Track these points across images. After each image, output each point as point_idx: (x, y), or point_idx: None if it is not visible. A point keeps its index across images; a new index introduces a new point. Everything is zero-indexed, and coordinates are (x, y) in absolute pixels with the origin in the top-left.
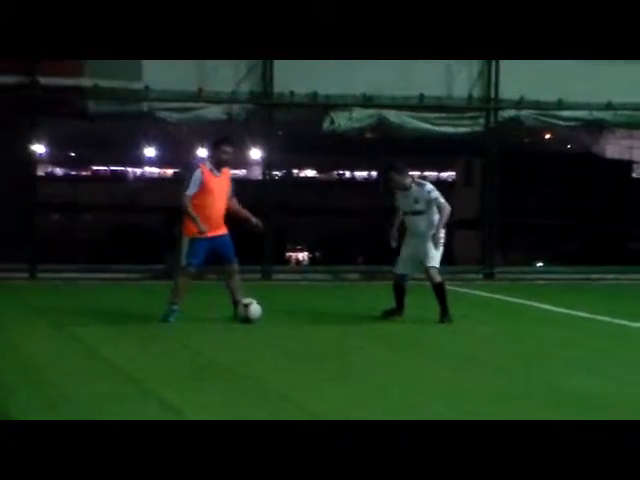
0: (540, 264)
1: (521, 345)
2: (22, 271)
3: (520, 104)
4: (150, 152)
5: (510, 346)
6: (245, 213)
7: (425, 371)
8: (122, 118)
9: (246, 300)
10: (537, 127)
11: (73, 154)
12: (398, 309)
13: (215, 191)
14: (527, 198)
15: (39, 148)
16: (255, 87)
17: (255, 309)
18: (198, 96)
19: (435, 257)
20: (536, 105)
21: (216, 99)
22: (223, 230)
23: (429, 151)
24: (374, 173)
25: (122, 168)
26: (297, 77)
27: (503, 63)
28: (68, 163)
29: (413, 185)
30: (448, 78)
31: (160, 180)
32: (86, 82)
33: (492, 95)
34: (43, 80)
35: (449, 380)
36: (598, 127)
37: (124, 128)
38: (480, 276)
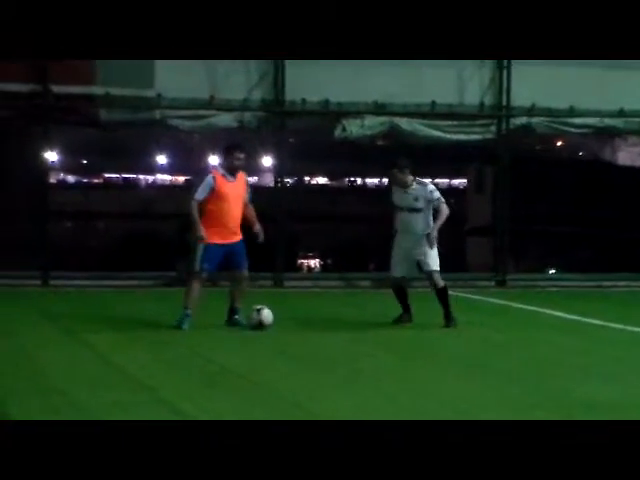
0: (552, 271)
1: (533, 352)
2: (34, 278)
3: (531, 111)
4: (162, 160)
5: (522, 353)
6: (253, 220)
7: (435, 378)
8: (134, 126)
9: (258, 305)
10: (549, 134)
11: (85, 162)
12: (405, 313)
13: (230, 196)
14: (539, 205)
15: (51, 156)
16: (267, 95)
17: (268, 314)
18: (210, 104)
19: (436, 260)
20: (547, 112)
21: (228, 107)
22: (238, 237)
23: (441, 158)
24: (385, 180)
25: (134, 176)
26: (309, 85)
27: (515, 70)
28: (80, 171)
29: (414, 183)
30: (460, 85)
31: (172, 187)
32: (98, 90)
33: (504, 102)
34: (55, 88)
35: (460, 388)
36: (610, 134)
37: (136, 136)
38: (492, 283)
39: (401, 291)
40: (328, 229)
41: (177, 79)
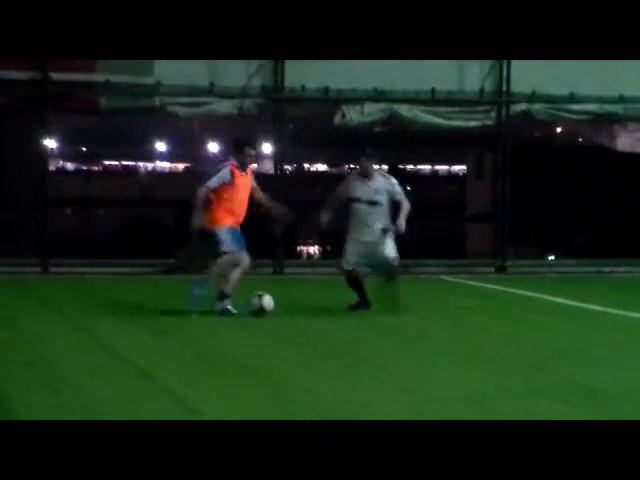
0: (552, 257)
1: (533, 338)
2: (34, 265)
3: (531, 98)
4: (161, 147)
5: (522, 339)
6: (268, 203)
7: (435, 365)
8: (134, 113)
9: (259, 291)
10: (548, 120)
11: (85, 149)
12: (362, 302)
13: (241, 188)
14: (538, 191)
15: (51, 143)
16: (266, 82)
17: (269, 299)
18: (209, 91)
19: (394, 250)
20: (547, 99)
21: (227, 94)
22: (239, 224)
23: (440, 145)
24: (385, 167)
25: (133, 163)
26: (308, 72)
27: None
28: (80, 158)
29: (378, 175)
30: (459, 72)
31: (171, 175)
32: (98, 77)
33: (504, 89)
34: (55, 76)
35: (459, 374)
36: (610, 120)
37: (136, 123)
38: (492, 270)
39: (355, 281)
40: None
41: (176, 66)
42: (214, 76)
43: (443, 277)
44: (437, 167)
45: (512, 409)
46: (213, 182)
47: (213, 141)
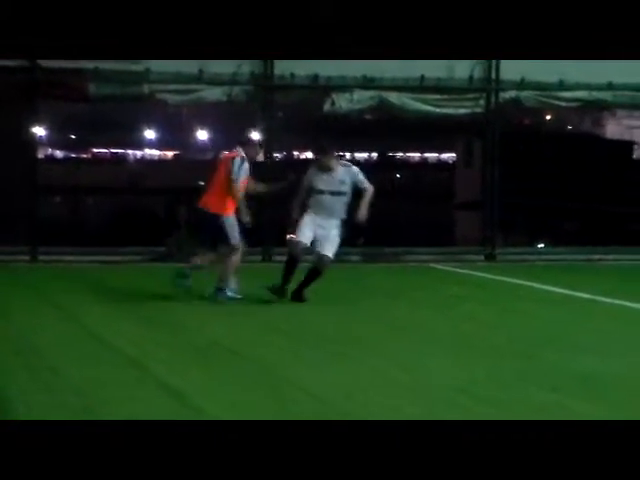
0: (541, 245)
1: (523, 326)
2: (23, 253)
3: (521, 85)
4: (150, 134)
5: (512, 327)
6: (263, 188)
7: (425, 353)
8: (123, 100)
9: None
10: (538, 108)
11: (73, 136)
12: (283, 286)
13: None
14: (528, 179)
15: (40, 131)
16: (256, 69)
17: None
18: (199, 78)
19: (334, 247)
20: (537, 86)
21: (217, 81)
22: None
23: (430, 132)
24: (374, 154)
25: (122, 150)
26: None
27: None
28: (69, 146)
29: (339, 166)
30: (449, 60)
31: (160, 162)
32: (87, 64)
33: (493, 76)
34: (44, 62)
35: (449, 363)
36: (599, 108)
37: (125, 110)
38: (481, 257)
39: (293, 262)
40: None
41: None
42: (203, 63)
43: (432, 265)
44: (426, 154)
45: (501, 397)
46: (240, 176)
47: (202, 129)
